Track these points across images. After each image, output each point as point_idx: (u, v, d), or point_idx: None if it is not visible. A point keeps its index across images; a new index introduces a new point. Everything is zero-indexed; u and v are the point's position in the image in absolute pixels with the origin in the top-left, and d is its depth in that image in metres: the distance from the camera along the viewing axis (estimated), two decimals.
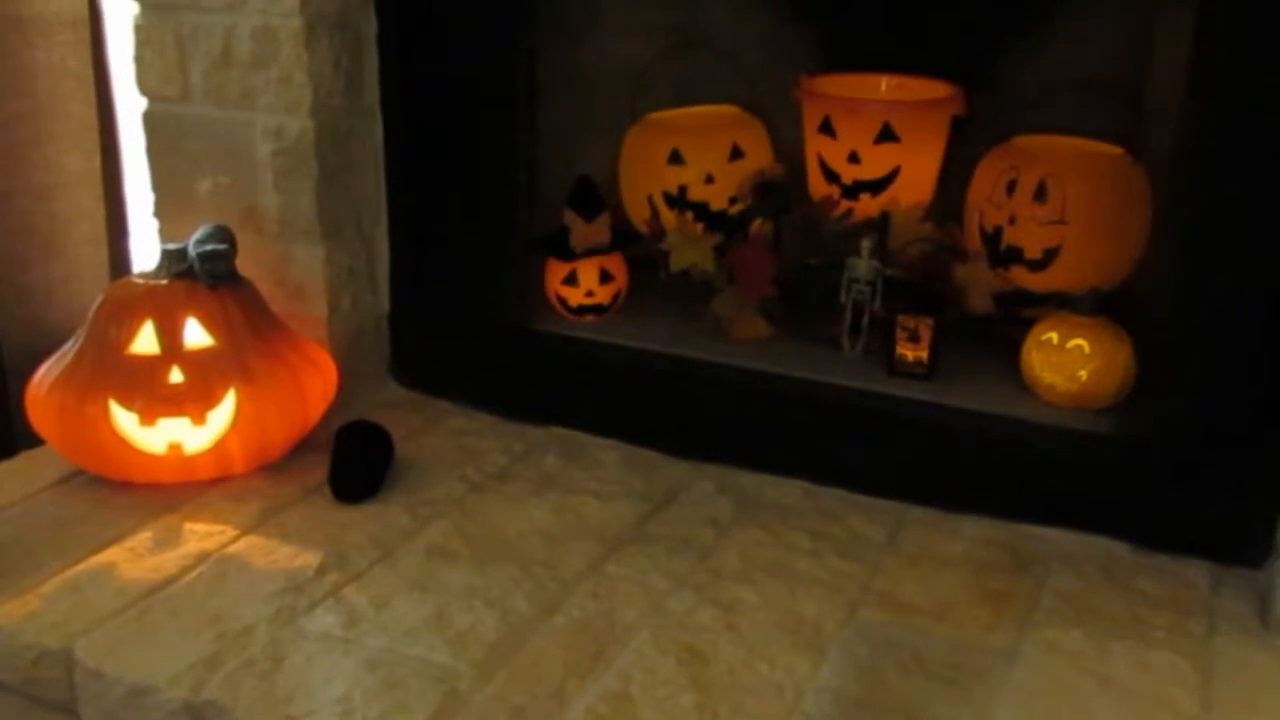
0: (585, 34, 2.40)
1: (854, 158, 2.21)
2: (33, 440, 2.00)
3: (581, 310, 2.24)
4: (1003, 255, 2.09)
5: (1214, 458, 1.74)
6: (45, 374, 1.93)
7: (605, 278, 2.24)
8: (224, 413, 1.91)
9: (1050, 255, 2.05)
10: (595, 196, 2.23)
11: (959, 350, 2.04)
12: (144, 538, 1.80)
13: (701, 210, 2.34)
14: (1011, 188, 2.06)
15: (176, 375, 1.88)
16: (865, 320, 2.06)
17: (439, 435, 2.13)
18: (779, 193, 2.24)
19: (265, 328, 1.98)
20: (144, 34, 2.15)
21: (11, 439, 2.24)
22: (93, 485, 1.94)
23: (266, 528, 1.84)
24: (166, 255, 1.95)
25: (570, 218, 2.21)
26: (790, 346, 2.12)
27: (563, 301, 2.25)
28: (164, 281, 1.93)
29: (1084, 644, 1.57)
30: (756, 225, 2.24)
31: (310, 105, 2.06)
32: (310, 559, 1.74)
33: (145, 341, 1.88)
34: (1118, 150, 2.07)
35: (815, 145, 2.28)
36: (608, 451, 2.07)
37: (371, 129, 2.19)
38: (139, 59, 2.17)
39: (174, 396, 1.88)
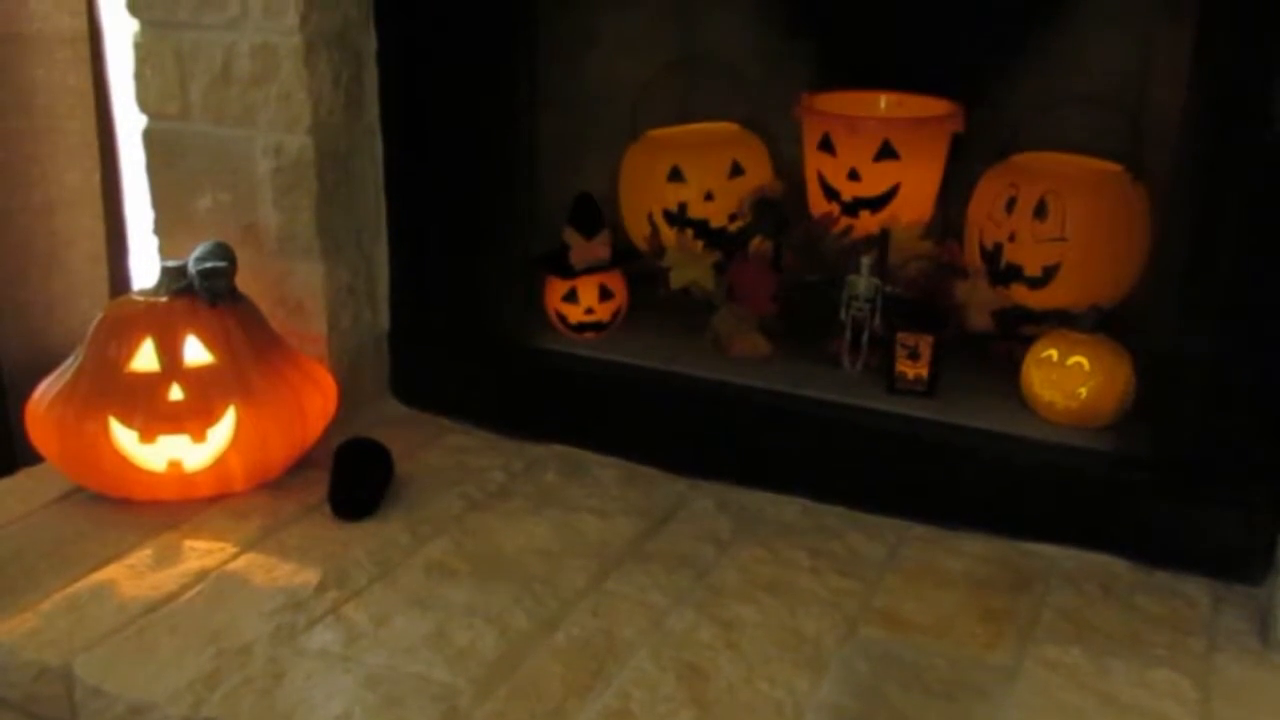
0: (585, 51, 2.40)
1: (854, 175, 2.22)
2: (32, 457, 2.00)
3: (581, 328, 2.24)
4: (1003, 272, 2.09)
5: (1214, 475, 1.74)
6: (45, 391, 1.93)
7: (605, 295, 2.24)
8: (224, 430, 1.91)
9: (1050, 272, 2.05)
10: (595, 214, 2.23)
11: (959, 367, 2.04)
12: (144, 555, 1.80)
13: (701, 227, 2.35)
14: (1011, 205, 2.06)
15: (176, 393, 1.88)
16: (865, 337, 2.06)
17: (438, 452, 2.13)
18: (778, 210, 2.24)
19: (265, 345, 1.98)
20: (144, 51, 2.15)
21: (11, 456, 2.24)
22: (92, 503, 1.94)
23: (266, 545, 1.83)
24: (166, 272, 1.95)
25: (570, 235, 2.22)
26: (790, 364, 2.12)
27: (562, 319, 2.25)
28: (164, 299, 1.93)
29: (1084, 661, 1.57)
30: (756, 242, 2.25)
31: (310, 123, 2.06)
32: (310, 576, 1.74)
33: (145, 359, 1.88)
34: (1117, 168, 2.07)
35: (815, 162, 2.28)
36: (607, 469, 2.07)
37: (371, 146, 2.19)
38: (139, 76, 2.17)
39: (174, 414, 1.88)
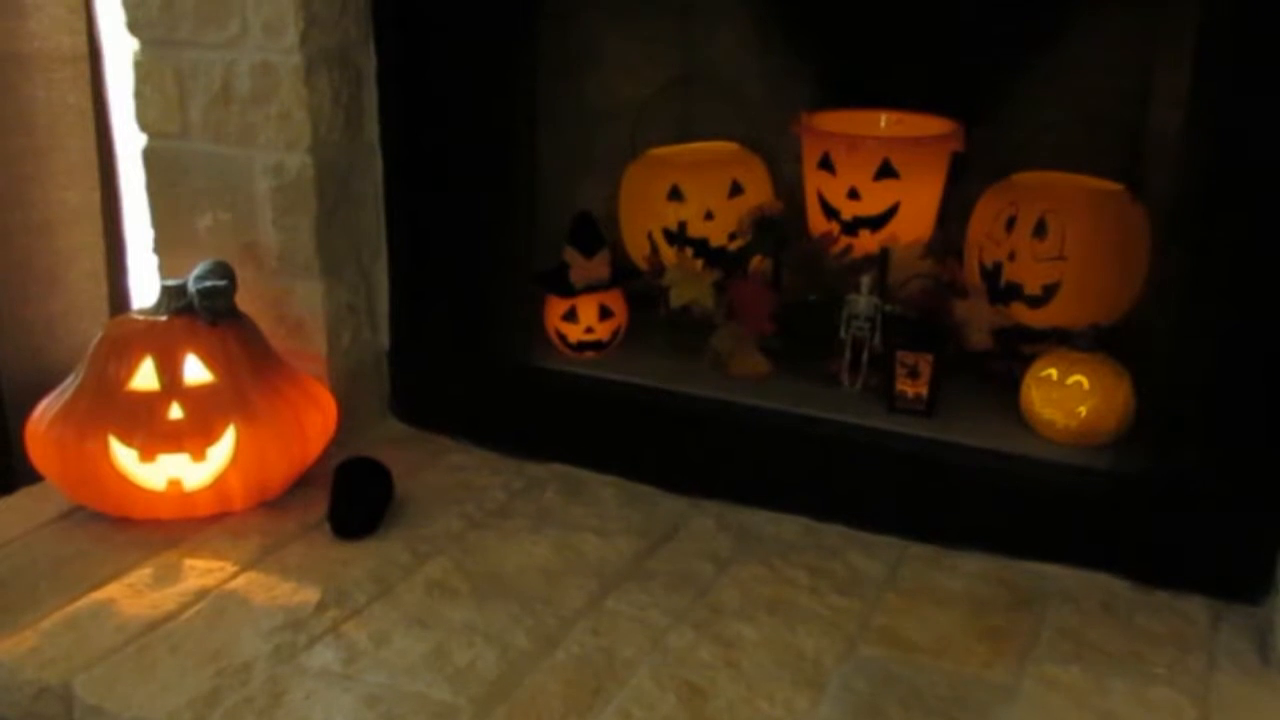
0: (586, 70, 2.41)
1: (853, 194, 2.22)
2: (32, 476, 2.00)
3: (581, 347, 2.24)
4: (1002, 291, 2.09)
5: (1213, 494, 1.73)
6: (45, 410, 1.93)
7: (605, 314, 2.24)
8: (223, 449, 1.91)
9: (1050, 291, 2.05)
10: (595, 233, 2.23)
11: (958, 386, 2.04)
12: (144, 574, 1.80)
13: (701, 246, 2.35)
14: (1011, 224, 2.06)
15: (176, 411, 1.88)
16: (865, 356, 2.06)
17: (438, 471, 2.13)
18: (778, 229, 2.24)
19: (265, 364, 1.98)
20: (144, 70, 2.16)
21: (11, 475, 2.24)
22: (92, 521, 1.94)
23: (266, 564, 1.83)
24: (166, 291, 1.96)
25: (570, 254, 2.22)
26: (789, 383, 2.12)
27: (562, 338, 2.25)
28: (164, 318, 1.94)
29: (1083, 680, 1.57)
30: (756, 261, 2.24)
31: (309, 141, 2.06)
32: (310, 595, 1.74)
33: (145, 378, 1.88)
34: (1117, 187, 2.07)
35: (815, 181, 2.29)
36: (607, 488, 2.07)
37: (371, 165, 2.20)
38: (139, 95, 2.18)
39: (174, 433, 1.88)
